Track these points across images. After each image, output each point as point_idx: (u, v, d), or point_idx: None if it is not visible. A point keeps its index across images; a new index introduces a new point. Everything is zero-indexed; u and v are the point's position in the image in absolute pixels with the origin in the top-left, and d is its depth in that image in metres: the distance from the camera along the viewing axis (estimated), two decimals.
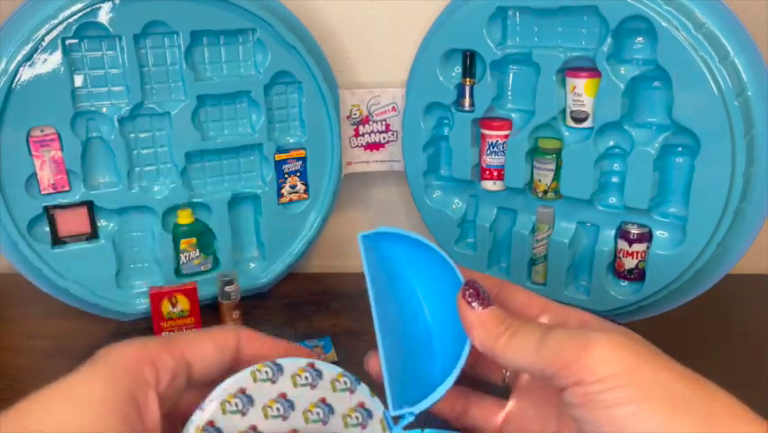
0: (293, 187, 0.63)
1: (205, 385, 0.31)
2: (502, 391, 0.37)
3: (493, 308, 0.32)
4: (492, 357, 0.31)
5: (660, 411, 0.25)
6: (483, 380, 0.37)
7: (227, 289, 0.57)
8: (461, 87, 0.59)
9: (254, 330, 0.33)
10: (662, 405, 0.26)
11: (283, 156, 0.61)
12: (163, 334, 0.55)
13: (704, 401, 0.26)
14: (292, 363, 0.31)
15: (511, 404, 0.36)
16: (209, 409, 0.29)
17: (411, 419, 0.32)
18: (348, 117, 0.65)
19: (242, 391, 0.30)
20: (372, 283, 0.33)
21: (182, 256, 0.59)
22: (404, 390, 0.33)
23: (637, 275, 0.55)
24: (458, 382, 0.33)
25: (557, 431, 0.33)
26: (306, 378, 0.31)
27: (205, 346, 0.32)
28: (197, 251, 0.60)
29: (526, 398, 0.35)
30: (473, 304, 0.32)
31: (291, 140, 0.62)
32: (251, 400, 0.30)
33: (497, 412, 0.36)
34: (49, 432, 0.26)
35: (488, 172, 0.60)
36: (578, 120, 0.54)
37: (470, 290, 0.33)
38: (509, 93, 0.59)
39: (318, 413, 0.31)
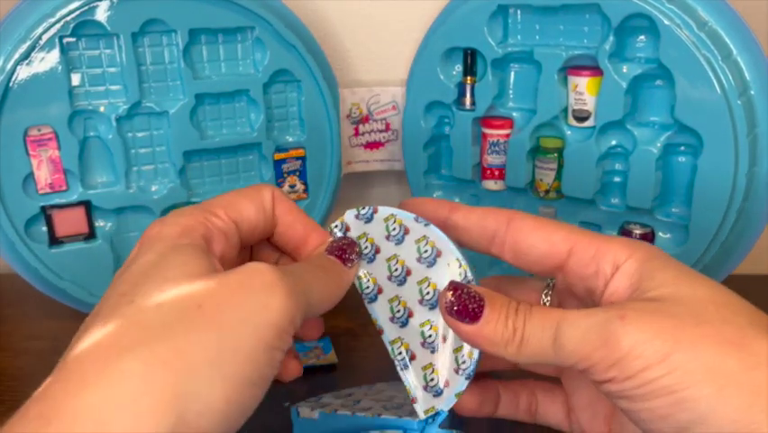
0: (292, 186, 0.62)
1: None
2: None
3: (486, 315, 0.28)
4: None
5: (702, 396, 0.24)
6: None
7: None
8: (461, 86, 0.59)
9: (283, 192, 0.33)
10: (703, 388, 0.24)
11: (282, 155, 0.61)
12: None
13: (752, 374, 0.24)
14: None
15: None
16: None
17: (445, 415, 0.31)
18: (348, 116, 0.65)
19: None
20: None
21: None
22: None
23: None
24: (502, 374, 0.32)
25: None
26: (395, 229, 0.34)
27: (246, 207, 0.31)
28: None
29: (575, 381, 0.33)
30: (462, 322, 0.29)
31: (290, 139, 0.61)
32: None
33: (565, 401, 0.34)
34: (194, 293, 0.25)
35: (489, 172, 0.60)
36: (580, 119, 0.54)
37: (456, 307, 0.29)
38: (510, 92, 0.59)
39: (426, 251, 0.33)
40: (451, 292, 0.29)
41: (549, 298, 0.34)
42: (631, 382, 0.25)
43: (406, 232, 0.33)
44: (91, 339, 0.24)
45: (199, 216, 0.30)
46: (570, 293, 0.33)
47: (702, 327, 0.25)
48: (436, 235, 0.32)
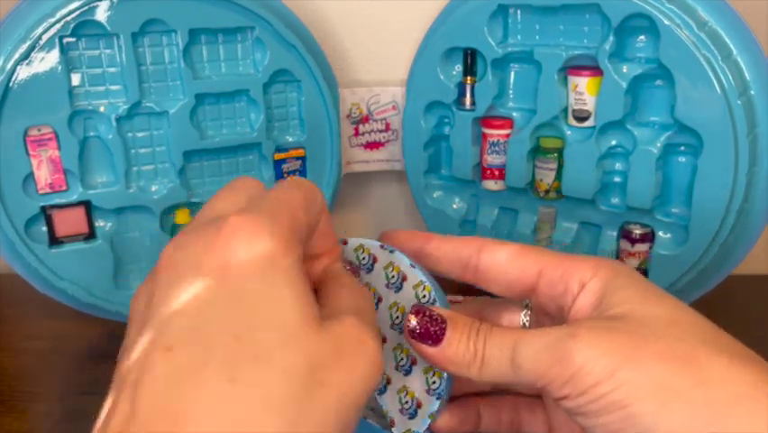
0: None
1: None
2: None
3: (448, 336, 0.29)
4: None
5: (646, 411, 0.24)
6: None
7: None
8: (461, 86, 0.59)
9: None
10: (648, 404, 0.24)
11: (282, 155, 0.61)
12: None
13: (700, 390, 0.24)
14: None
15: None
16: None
17: None
18: (348, 116, 0.65)
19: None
20: None
21: None
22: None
23: None
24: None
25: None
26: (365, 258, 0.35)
27: (314, 211, 0.28)
28: None
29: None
30: (425, 344, 0.29)
31: (290, 139, 0.61)
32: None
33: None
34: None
35: (489, 172, 0.60)
36: (580, 119, 0.54)
37: (418, 330, 0.30)
38: (510, 91, 0.59)
39: (393, 276, 0.33)
40: (413, 316, 0.30)
41: (528, 318, 0.34)
42: (584, 397, 0.25)
43: (375, 260, 0.34)
44: (213, 403, 0.21)
45: (289, 222, 0.25)
46: (545, 313, 0.33)
47: (654, 343, 0.26)
48: (401, 261, 0.33)
